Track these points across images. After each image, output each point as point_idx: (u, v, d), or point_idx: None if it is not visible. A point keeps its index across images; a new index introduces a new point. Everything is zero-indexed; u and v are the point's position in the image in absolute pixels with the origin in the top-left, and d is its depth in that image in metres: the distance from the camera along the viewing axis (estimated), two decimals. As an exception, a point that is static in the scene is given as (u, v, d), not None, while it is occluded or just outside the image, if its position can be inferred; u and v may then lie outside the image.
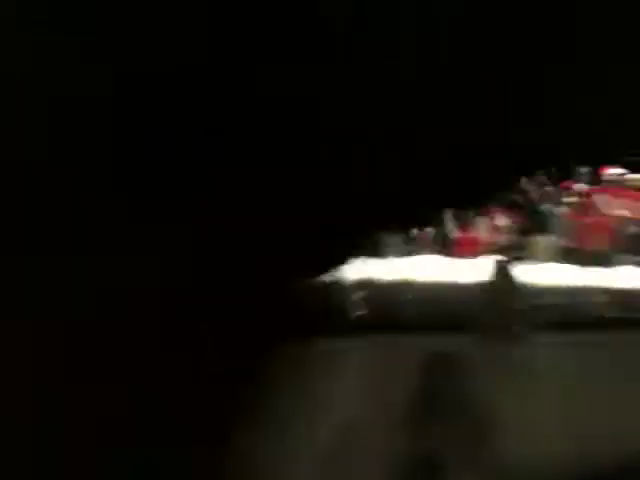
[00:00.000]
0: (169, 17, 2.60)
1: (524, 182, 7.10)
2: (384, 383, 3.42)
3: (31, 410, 2.48)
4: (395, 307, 3.55)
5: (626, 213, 7.32)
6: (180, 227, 2.46)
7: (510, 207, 6.84)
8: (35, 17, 2.30)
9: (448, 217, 6.20)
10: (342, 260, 3.01)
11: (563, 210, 6.90)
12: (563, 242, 6.71)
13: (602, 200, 7.36)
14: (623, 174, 8.12)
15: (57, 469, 2.50)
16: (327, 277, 3.40)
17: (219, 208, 2.47)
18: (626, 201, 7.51)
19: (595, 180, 8.00)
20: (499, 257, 5.26)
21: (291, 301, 2.84)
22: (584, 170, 7.71)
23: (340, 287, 3.37)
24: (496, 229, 6.40)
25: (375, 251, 3.93)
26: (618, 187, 7.95)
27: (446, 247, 6.12)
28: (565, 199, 7.03)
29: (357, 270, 3.58)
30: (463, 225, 6.22)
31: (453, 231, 6.18)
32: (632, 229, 7.19)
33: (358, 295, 3.46)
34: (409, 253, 5.52)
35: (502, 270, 4.12)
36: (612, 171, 8.06)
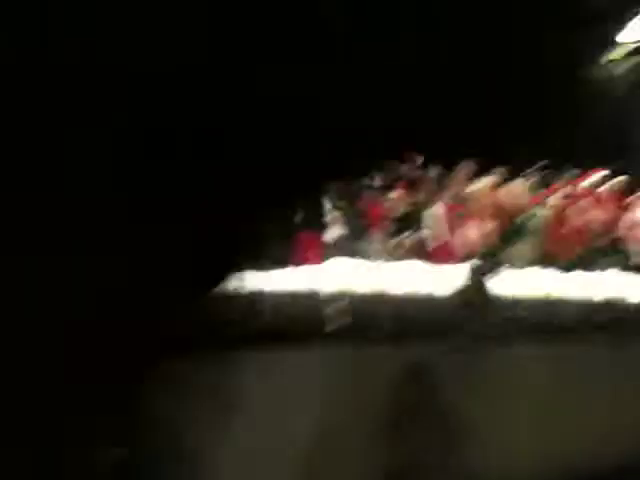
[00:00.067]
0: (169, 16, 2.59)
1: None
2: (358, 393, 3.45)
3: None
4: (370, 316, 3.57)
5: (603, 220, 7.40)
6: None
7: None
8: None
9: (428, 223, 6.24)
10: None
11: (543, 217, 6.97)
12: (541, 249, 6.78)
13: (580, 207, 7.43)
14: (601, 181, 8.20)
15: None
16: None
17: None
18: (604, 208, 7.59)
19: (573, 187, 8.09)
20: (476, 264, 5.31)
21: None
22: (563, 176, 7.80)
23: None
24: (476, 236, 6.44)
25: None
26: (596, 194, 8.04)
27: (425, 254, 6.16)
28: (544, 206, 7.10)
29: (333, 279, 3.61)
30: (442, 232, 6.25)
31: (433, 238, 6.22)
32: (609, 236, 7.26)
33: (334, 305, 3.48)
34: (387, 260, 5.58)
35: (478, 278, 4.15)
36: (593, 177, 8.14)
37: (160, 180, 2.32)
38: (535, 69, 9.87)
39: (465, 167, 7.63)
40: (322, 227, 5.65)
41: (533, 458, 4.06)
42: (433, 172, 7.24)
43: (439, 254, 6.23)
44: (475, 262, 4.49)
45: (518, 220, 6.94)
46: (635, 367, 4.54)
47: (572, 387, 4.21)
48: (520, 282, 4.47)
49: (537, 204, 6.94)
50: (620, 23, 9.97)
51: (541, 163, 6.60)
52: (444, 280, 4.16)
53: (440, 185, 6.70)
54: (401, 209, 6.06)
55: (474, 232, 6.57)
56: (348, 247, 5.87)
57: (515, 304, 4.12)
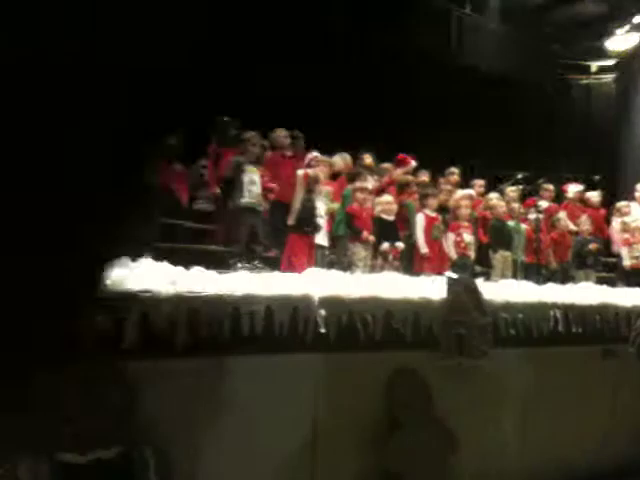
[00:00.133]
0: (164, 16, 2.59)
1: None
2: (347, 399, 3.47)
3: None
4: (360, 323, 3.60)
5: (585, 229, 7.56)
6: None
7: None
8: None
9: (419, 232, 6.30)
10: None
11: (526, 226, 7.09)
12: (525, 258, 6.90)
13: (562, 216, 7.58)
14: (582, 191, 8.38)
15: None
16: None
17: None
18: (585, 217, 7.76)
19: (556, 197, 8.25)
20: (462, 273, 5.37)
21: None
22: (546, 187, 7.95)
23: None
24: (462, 244, 6.52)
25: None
26: (577, 204, 8.22)
27: (412, 262, 6.23)
28: (528, 216, 7.22)
29: (322, 286, 3.62)
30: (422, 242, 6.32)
31: (422, 247, 6.27)
32: (591, 245, 7.42)
33: (323, 311, 3.49)
34: (375, 268, 5.62)
35: (464, 286, 4.20)
36: (572, 188, 8.31)
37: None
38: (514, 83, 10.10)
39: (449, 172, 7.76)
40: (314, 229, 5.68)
41: (518, 460, 4.14)
42: (422, 176, 7.35)
43: (420, 263, 6.30)
44: (452, 273, 4.54)
45: (498, 230, 7.04)
46: (613, 373, 4.64)
47: (557, 391, 4.29)
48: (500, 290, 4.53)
49: (518, 214, 7.04)
50: (608, 32, 10.27)
51: (520, 174, 6.72)
52: (424, 289, 4.20)
53: (425, 192, 6.75)
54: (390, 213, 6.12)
55: (454, 241, 6.65)
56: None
57: (501, 309, 4.17)
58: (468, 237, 6.69)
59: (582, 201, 8.40)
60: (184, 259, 3.52)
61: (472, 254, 6.73)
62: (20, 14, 2.31)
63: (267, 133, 6.48)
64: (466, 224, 6.76)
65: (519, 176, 6.73)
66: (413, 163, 7.26)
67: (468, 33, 9.89)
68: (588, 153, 10.77)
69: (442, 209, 6.96)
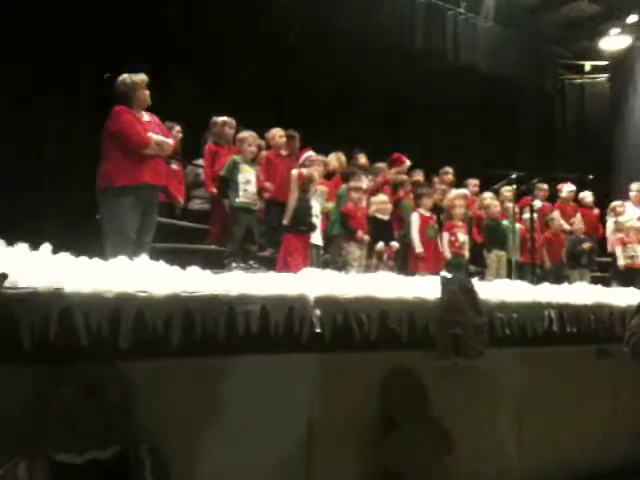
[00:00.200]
0: None
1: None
2: (343, 399, 3.47)
3: None
4: (355, 322, 3.60)
5: (579, 228, 7.60)
6: None
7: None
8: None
9: (414, 231, 6.31)
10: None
11: (520, 226, 7.11)
12: (519, 257, 6.91)
13: (556, 216, 7.61)
14: (576, 191, 8.42)
15: None
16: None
17: None
18: (578, 217, 7.80)
19: (550, 197, 8.28)
20: (456, 272, 5.39)
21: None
22: (541, 187, 7.98)
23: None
24: (456, 244, 6.54)
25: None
26: (571, 203, 8.26)
27: (407, 262, 6.24)
28: (522, 215, 7.24)
29: (317, 286, 3.61)
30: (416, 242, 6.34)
31: (417, 246, 6.29)
32: (584, 244, 7.46)
33: (318, 311, 3.49)
34: (370, 268, 5.63)
35: (460, 285, 4.20)
36: (565, 188, 8.35)
37: None
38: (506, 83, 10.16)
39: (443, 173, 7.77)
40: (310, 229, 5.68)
41: (513, 461, 4.15)
42: (417, 176, 7.36)
43: (415, 262, 6.31)
44: (446, 274, 4.55)
45: (493, 229, 7.06)
46: (609, 373, 4.65)
47: (553, 391, 4.30)
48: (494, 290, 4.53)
49: (512, 214, 7.06)
50: (601, 32, 10.32)
51: (514, 174, 6.74)
52: (419, 289, 4.19)
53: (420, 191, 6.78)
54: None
55: (448, 241, 6.67)
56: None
57: (496, 308, 4.17)
58: (462, 236, 6.71)
59: (576, 201, 8.44)
60: (180, 259, 3.51)
61: (466, 253, 6.75)
62: None
63: (263, 133, 6.48)
64: (460, 223, 6.79)
65: (513, 176, 6.74)
66: (407, 162, 7.28)
67: (464, 32, 9.90)
68: (582, 153, 10.81)
69: (436, 208, 6.98)
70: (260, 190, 5.71)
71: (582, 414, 4.51)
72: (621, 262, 7.51)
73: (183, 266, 3.28)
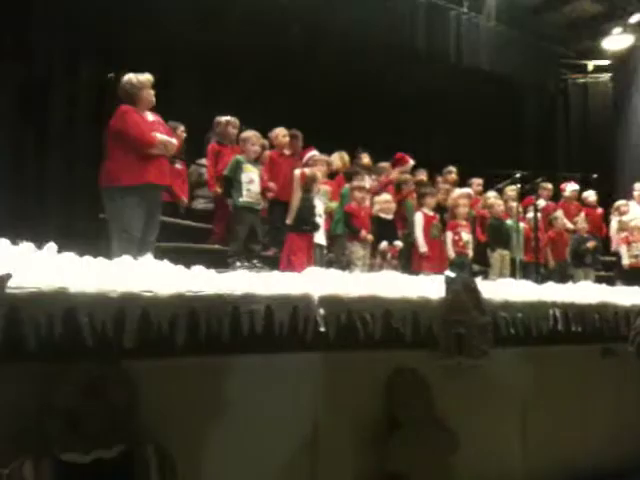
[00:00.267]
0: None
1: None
2: (347, 399, 3.47)
3: None
4: (359, 322, 3.59)
5: (582, 227, 7.59)
6: None
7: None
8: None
9: (418, 231, 6.30)
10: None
11: (524, 225, 7.10)
12: (523, 256, 6.90)
13: (560, 215, 7.60)
14: (579, 190, 8.40)
15: None
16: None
17: None
18: (582, 216, 7.78)
19: (554, 196, 8.26)
20: (460, 271, 5.37)
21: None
22: (545, 186, 7.97)
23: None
24: (460, 243, 6.53)
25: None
26: (574, 202, 8.24)
27: (411, 261, 6.24)
28: (526, 215, 7.22)
29: (321, 285, 3.61)
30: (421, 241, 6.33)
31: (421, 246, 6.28)
32: (588, 243, 7.44)
33: (322, 310, 3.49)
34: (374, 267, 5.62)
35: (464, 285, 4.20)
36: (569, 187, 8.34)
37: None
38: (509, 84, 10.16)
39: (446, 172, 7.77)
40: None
41: (518, 462, 4.14)
42: (420, 175, 7.35)
43: (419, 262, 6.30)
44: (450, 273, 4.54)
45: (497, 228, 7.05)
46: (614, 372, 4.64)
47: (558, 390, 4.30)
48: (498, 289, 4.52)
49: (516, 213, 7.05)
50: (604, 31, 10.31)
51: (518, 173, 6.73)
52: (423, 288, 4.19)
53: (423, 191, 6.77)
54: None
55: (452, 240, 6.66)
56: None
57: (500, 308, 4.16)
58: (466, 236, 6.70)
59: (579, 200, 8.43)
60: (183, 258, 3.51)
61: (470, 253, 6.74)
62: None
63: (266, 132, 6.48)
64: (464, 223, 6.78)
65: (517, 175, 6.73)
66: (411, 162, 7.27)
67: (466, 32, 9.89)
68: (585, 152, 10.80)
69: (440, 208, 6.97)
70: (263, 190, 5.71)
71: (587, 413, 4.50)
72: (625, 261, 7.50)
73: (187, 265, 3.28)
